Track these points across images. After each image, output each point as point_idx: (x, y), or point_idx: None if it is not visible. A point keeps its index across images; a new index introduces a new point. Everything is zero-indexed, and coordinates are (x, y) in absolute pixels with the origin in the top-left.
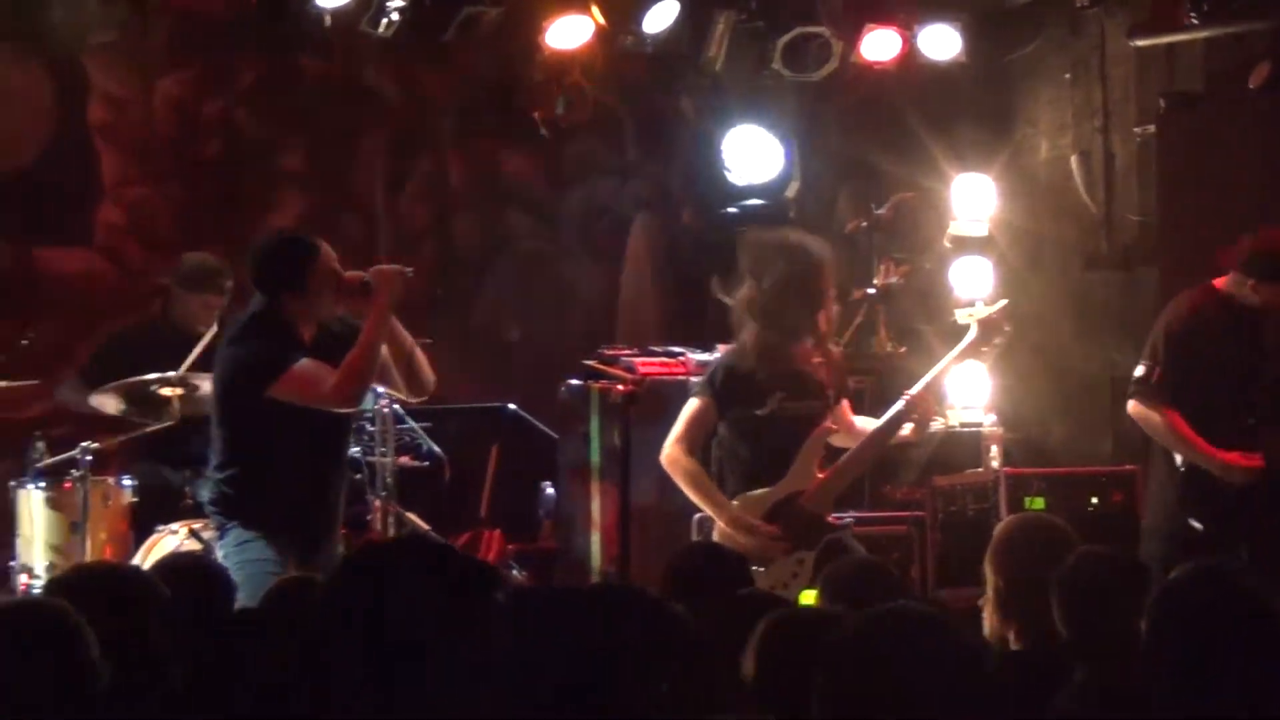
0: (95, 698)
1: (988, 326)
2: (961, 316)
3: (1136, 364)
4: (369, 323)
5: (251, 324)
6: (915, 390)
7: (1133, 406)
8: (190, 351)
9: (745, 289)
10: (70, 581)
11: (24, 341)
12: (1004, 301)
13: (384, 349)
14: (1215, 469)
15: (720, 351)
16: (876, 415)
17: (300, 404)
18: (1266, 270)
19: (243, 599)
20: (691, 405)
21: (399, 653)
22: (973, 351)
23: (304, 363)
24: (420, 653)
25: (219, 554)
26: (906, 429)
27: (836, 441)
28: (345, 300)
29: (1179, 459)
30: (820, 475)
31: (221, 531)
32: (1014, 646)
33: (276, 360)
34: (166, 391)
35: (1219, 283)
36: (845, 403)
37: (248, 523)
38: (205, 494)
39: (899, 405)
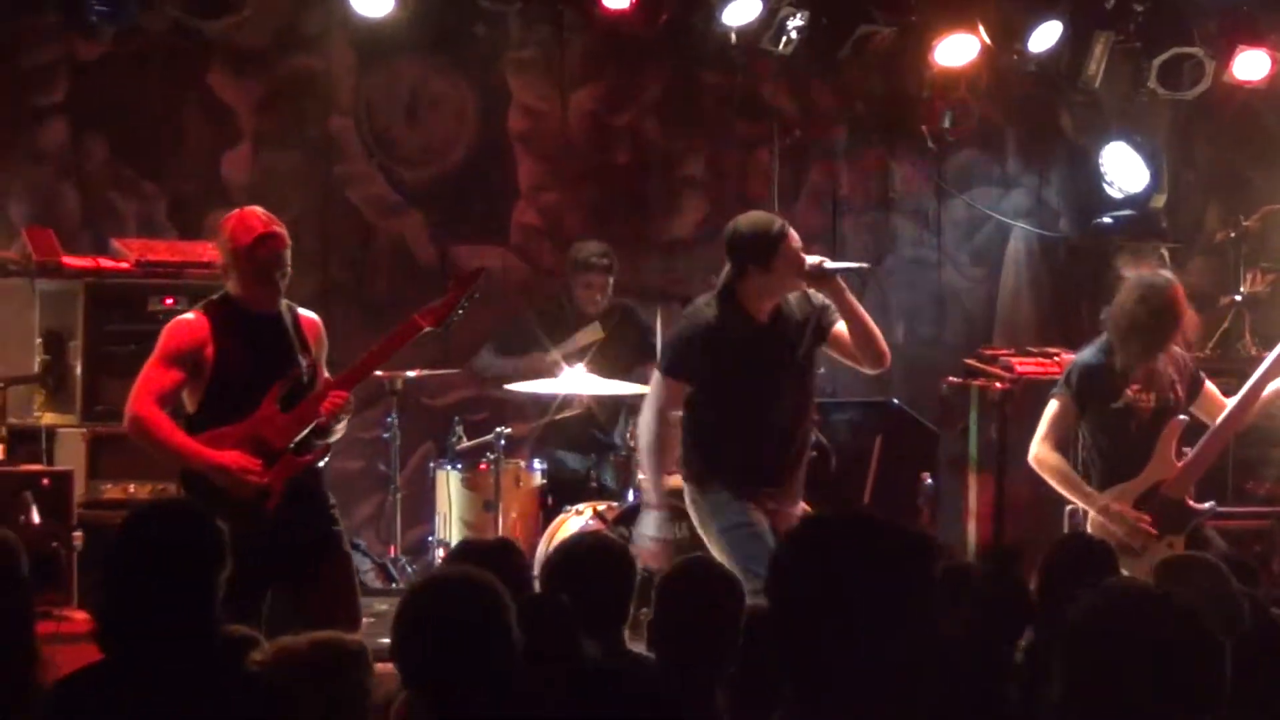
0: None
1: None
2: None
3: None
4: (848, 302)
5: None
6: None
7: None
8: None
9: (1114, 309)
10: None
11: (459, 312)
12: None
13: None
14: None
15: (1084, 350)
16: None
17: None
18: None
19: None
20: (1052, 406)
21: (857, 621)
22: None
23: None
24: (876, 620)
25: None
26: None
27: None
28: (808, 281)
29: None
30: (1179, 465)
31: None
32: None
33: None
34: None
35: None
36: (1209, 385)
37: None
38: (608, 478)
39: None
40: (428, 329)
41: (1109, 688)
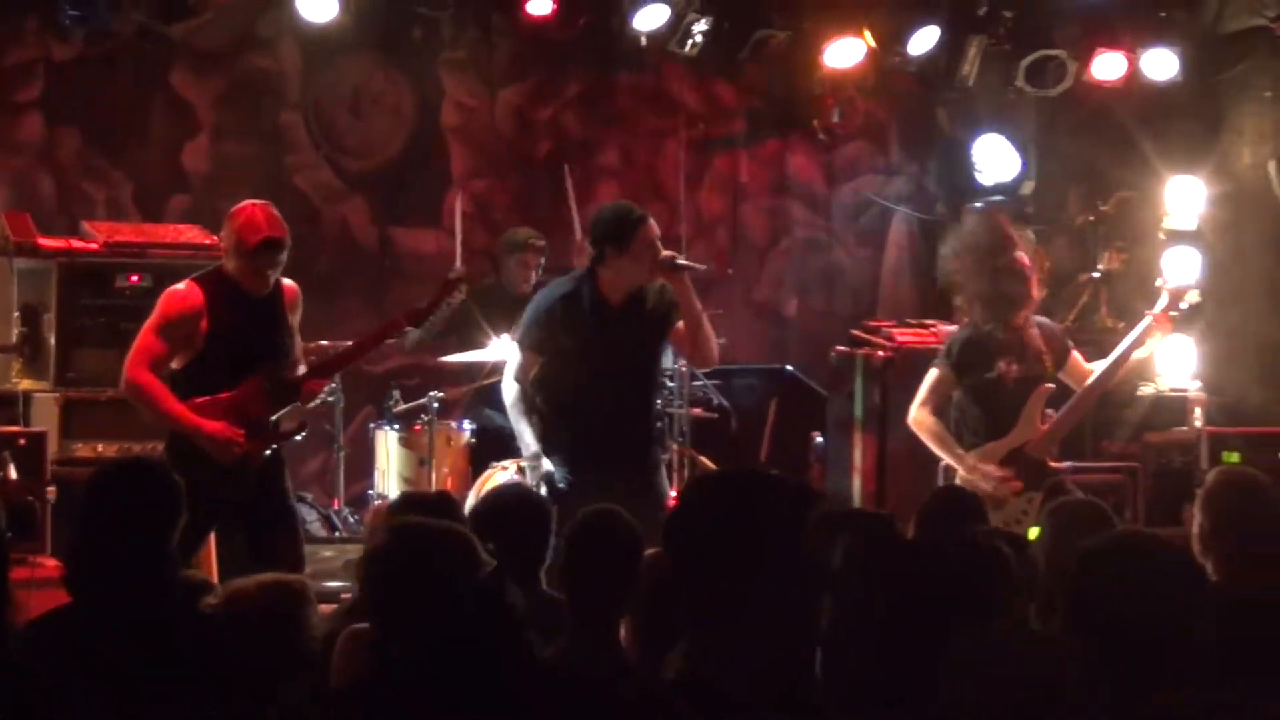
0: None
1: (1175, 295)
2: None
3: None
4: (691, 300)
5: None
6: (1113, 357)
7: None
8: (514, 310)
9: (958, 273)
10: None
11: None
12: (1194, 280)
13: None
14: None
15: (958, 326)
16: None
17: None
18: None
19: None
20: (932, 374)
21: (746, 562)
22: (1164, 316)
23: None
24: (762, 561)
25: None
26: (1144, 352)
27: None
28: (660, 271)
29: None
30: (1043, 428)
31: None
32: (1213, 578)
33: None
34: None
35: None
36: (1075, 354)
37: None
38: None
39: (1138, 329)
40: (408, 329)
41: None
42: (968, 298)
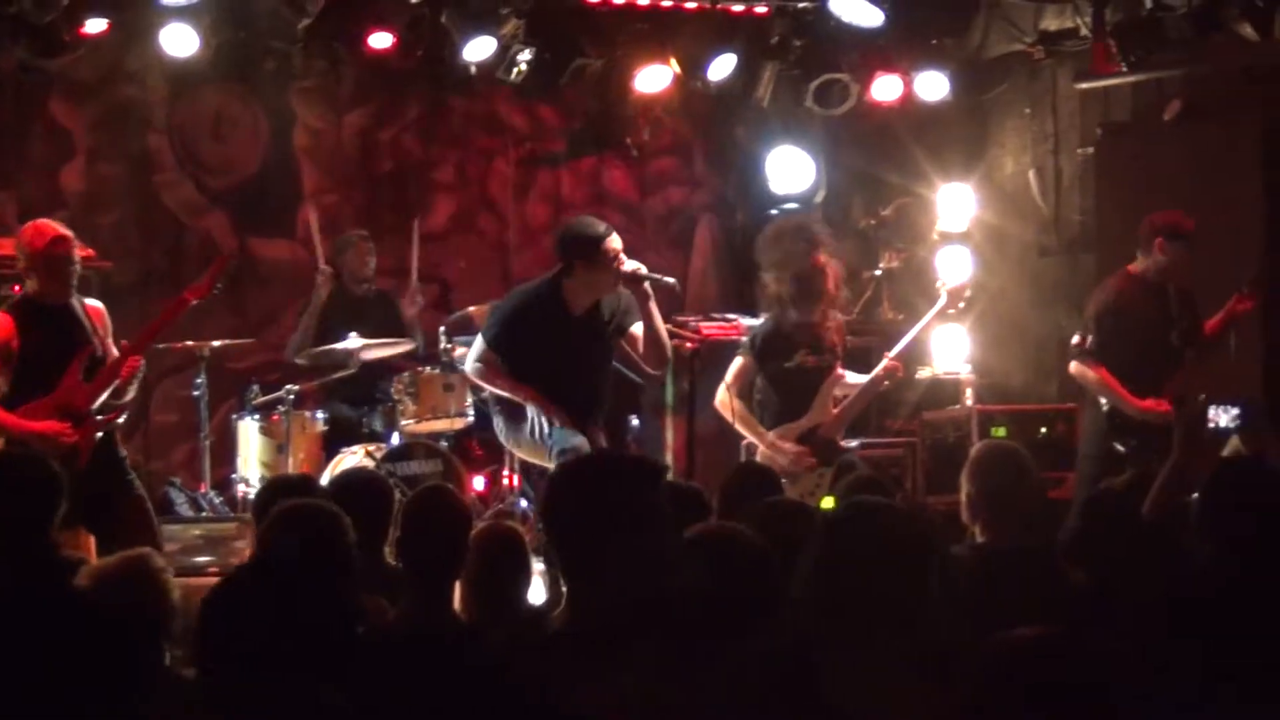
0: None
1: (953, 294)
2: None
3: (1075, 334)
4: (650, 309)
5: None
6: (892, 354)
7: (1073, 367)
8: (357, 308)
9: (769, 276)
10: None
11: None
12: (967, 278)
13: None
14: (1132, 412)
15: (761, 319)
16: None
17: None
18: (1165, 230)
19: None
20: (737, 362)
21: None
22: (942, 313)
23: None
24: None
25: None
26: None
27: (835, 391)
28: (624, 282)
29: (1104, 402)
30: (834, 411)
31: None
32: (979, 539)
33: None
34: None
35: (1132, 268)
36: (839, 364)
37: None
38: (377, 424)
39: (878, 369)
40: (194, 302)
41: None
42: (774, 293)
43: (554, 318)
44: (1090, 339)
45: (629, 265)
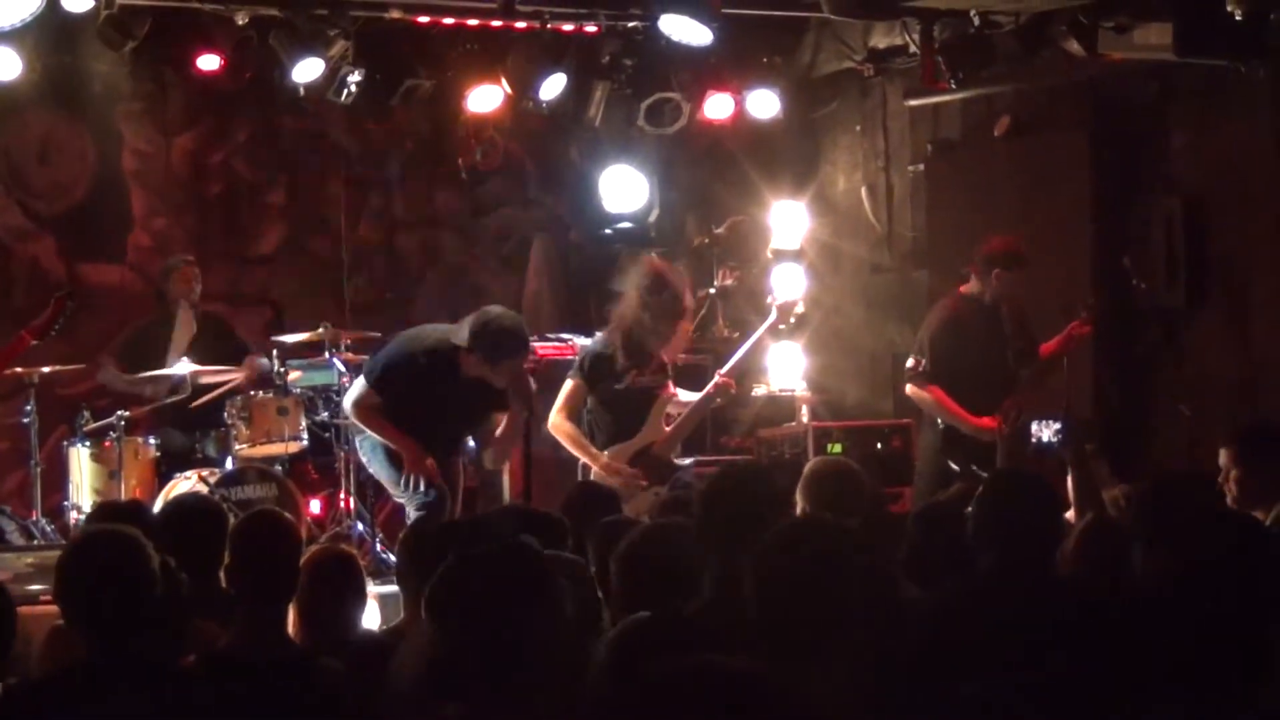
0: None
1: (783, 310)
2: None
3: (908, 356)
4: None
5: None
6: (724, 371)
7: (908, 389)
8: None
9: (629, 302)
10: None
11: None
12: (796, 294)
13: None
14: (969, 430)
15: (593, 339)
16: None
17: None
18: (1003, 260)
19: None
20: (568, 385)
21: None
22: (773, 329)
23: None
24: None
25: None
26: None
27: (668, 409)
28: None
29: (940, 421)
30: (666, 430)
31: None
32: None
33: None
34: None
35: (964, 289)
36: (670, 382)
37: None
38: (211, 450)
39: (710, 386)
40: (34, 342)
41: None
42: (624, 322)
43: (444, 378)
44: (924, 361)
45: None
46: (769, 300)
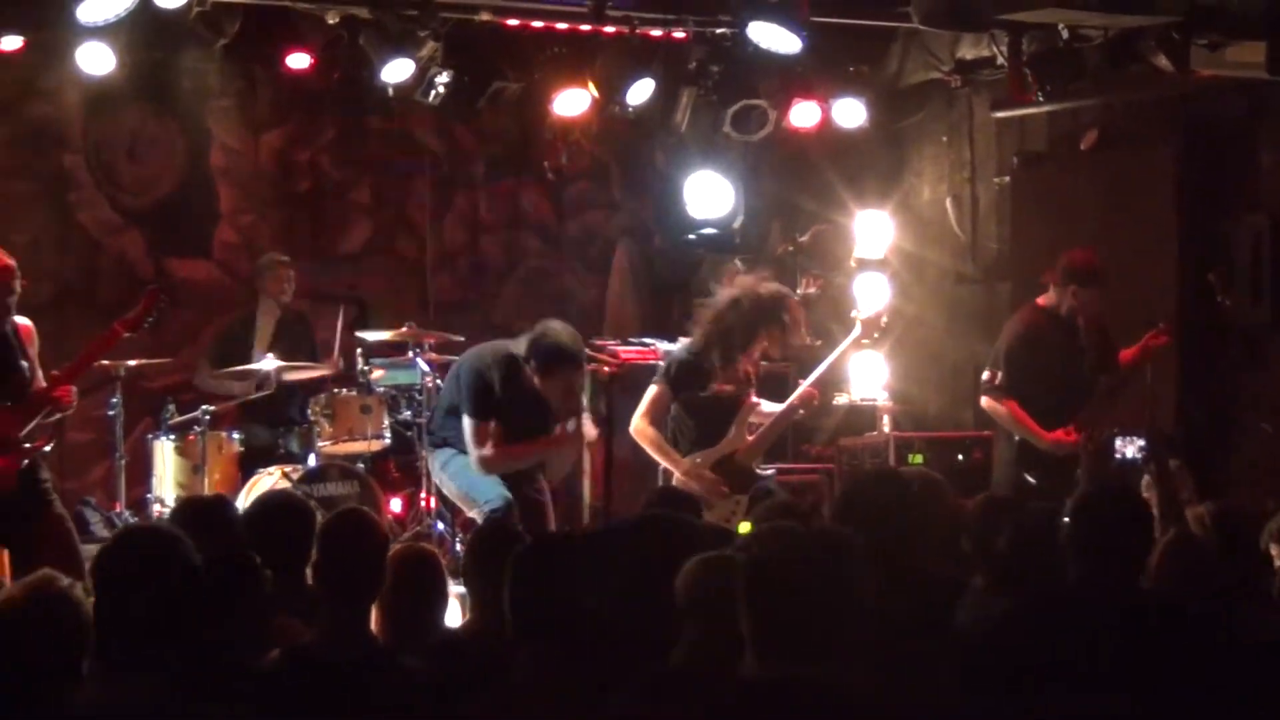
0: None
1: (868, 324)
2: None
3: (985, 368)
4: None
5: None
6: (807, 383)
7: (984, 402)
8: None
9: (718, 308)
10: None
11: (149, 320)
12: (882, 306)
13: None
14: (1044, 446)
15: (678, 345)
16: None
17: None
18: (1080, 277)
19: None
20: (652, 390)
21: None
22: (857, 344)
23: None
24: None
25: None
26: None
27: (750, 418)
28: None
29: (1016, 435)
30: (749, 439)
31: None
32: None
33: None
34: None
35: (1041, 301)
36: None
37: None
38: (293, 446)
39: (794, 397)
40: (126, 335)
41: None
42: (711, 329)
43: (509, 386)
44: (1000, 374)
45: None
46: (853, 314)
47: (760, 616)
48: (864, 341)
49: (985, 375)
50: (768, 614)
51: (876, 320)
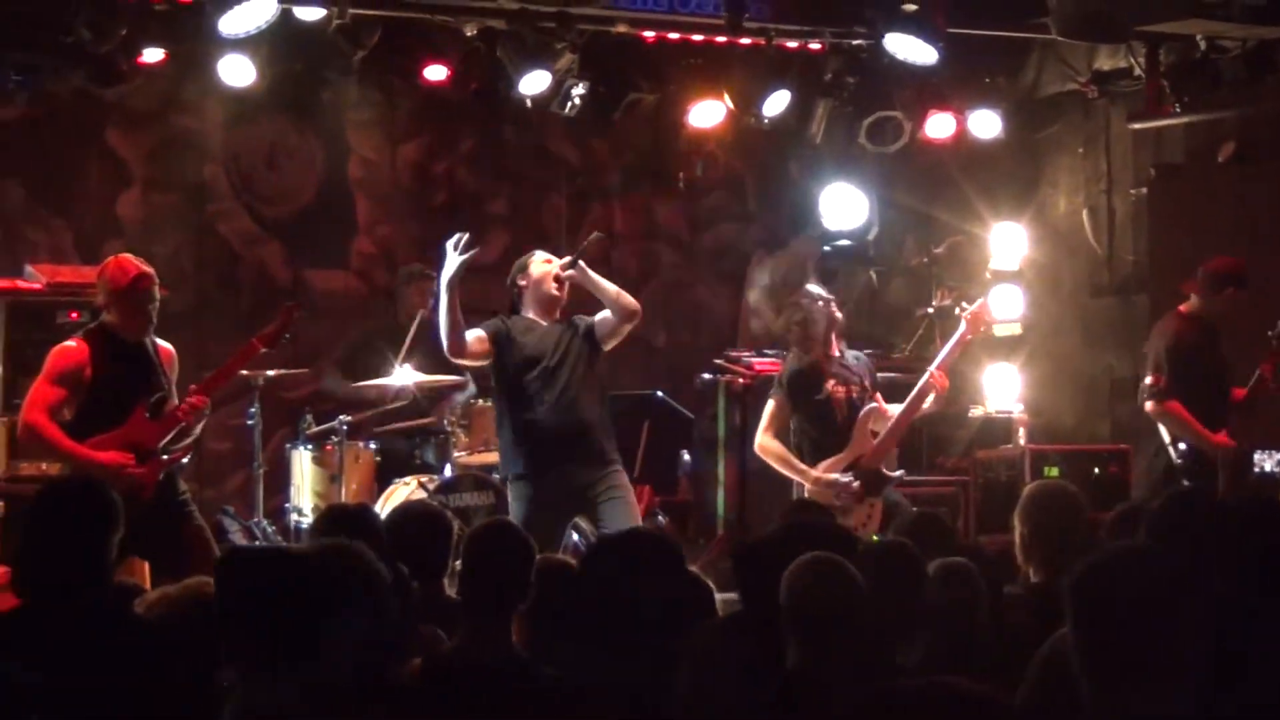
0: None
1: (974, 320)
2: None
3: (1145, 375)
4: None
5: None
6: (933, 368)
7: (1148, 406)
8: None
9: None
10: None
11: (286, 336)
12: (982, 300)
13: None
14: (1207, 447)
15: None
16: None
17: None
18: (1238, 279)
19: None
20: (770, 404)
21: None
22: (963, 341)
23: None
24: None
25: None
26: (929, 400)
27: (873, 425)
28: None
29: (1167, 437)
30: (874, 441)
31: None
32: (1034, 580)
33: None
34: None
35: (1184, 309)
36: (877, 394)
37: None
38: (430, 456)
39: (921, 382)
40: (263, 350)
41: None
42: (781, 332)
43: (525, 331)
44: (1164, 378)
45: (557, 263)
46: (958, 310)
47: (1103, 649)
48: (969, 337)
49: (1148, 380)
50: (1111, 647)
51: (981, 316)
